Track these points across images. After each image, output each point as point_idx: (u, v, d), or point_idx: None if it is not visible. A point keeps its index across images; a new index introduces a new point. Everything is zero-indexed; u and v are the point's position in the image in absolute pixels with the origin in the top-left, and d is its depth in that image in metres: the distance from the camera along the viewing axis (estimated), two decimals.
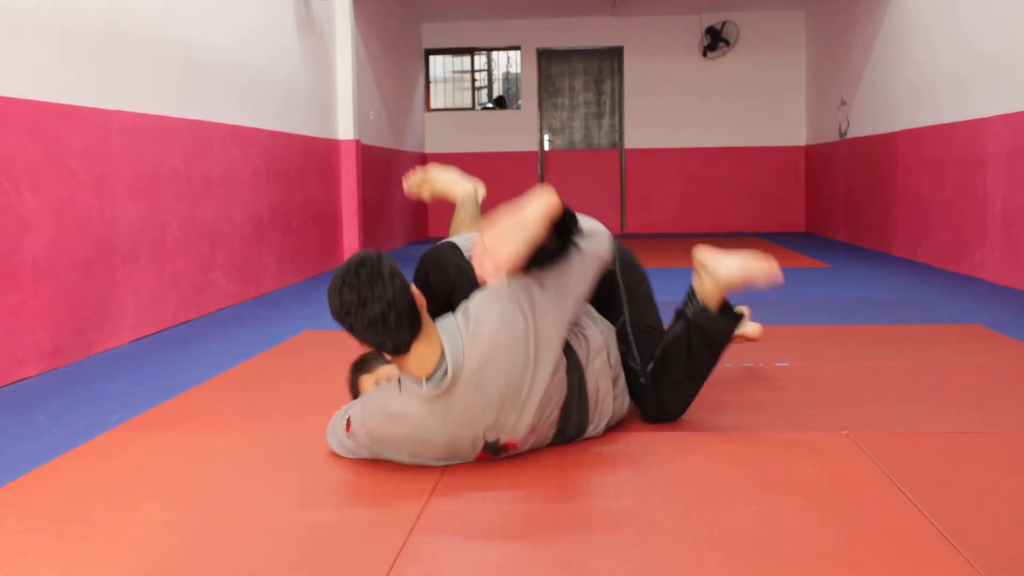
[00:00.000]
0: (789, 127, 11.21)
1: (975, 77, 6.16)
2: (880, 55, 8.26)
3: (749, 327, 3.06)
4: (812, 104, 10.86)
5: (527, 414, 2.25)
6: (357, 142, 7.75)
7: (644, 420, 2.70)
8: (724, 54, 11.17)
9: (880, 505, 2.02)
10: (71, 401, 3.15)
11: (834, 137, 9.84)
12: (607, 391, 2.49)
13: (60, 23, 3.79)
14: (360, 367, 2.61)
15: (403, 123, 10.14)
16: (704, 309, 2.59)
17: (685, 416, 2.76)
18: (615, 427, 2.64)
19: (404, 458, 2.29)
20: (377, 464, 2.36)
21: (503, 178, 11.51)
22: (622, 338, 2.62)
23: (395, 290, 2.05)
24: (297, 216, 6.59)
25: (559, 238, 2.25)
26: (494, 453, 2.30)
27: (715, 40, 11.08)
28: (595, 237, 2.43)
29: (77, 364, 3.77)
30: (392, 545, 1.85)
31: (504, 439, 2.26)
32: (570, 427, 2.44)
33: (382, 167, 9.02)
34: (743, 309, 2.82)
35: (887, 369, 3.36)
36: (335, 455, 2.43)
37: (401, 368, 2.18)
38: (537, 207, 2.12)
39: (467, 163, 11.47)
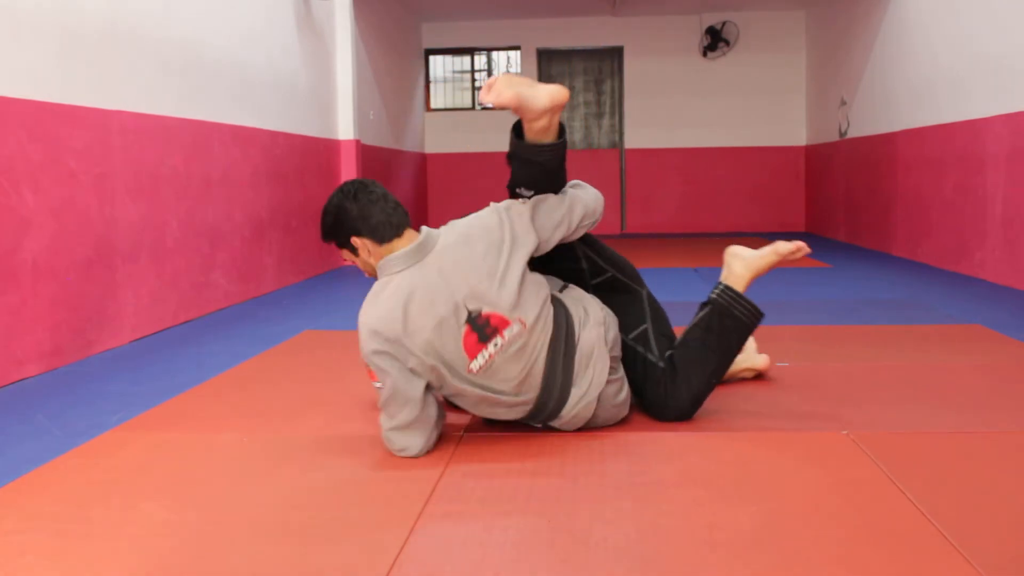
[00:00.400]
0: (789, 127, 11.21)
1: (975, 77, 6.16)
2: (880, 55, 8.26)
3: (758, 359, 3.19)
4: (812, 104, 10.87)
5: (507, 290, 2.40)
6: (357, 142, 7.75)
7: (659, 419, 2.70)
8: (724, 54, 11.17)
9: (880, 505, 2.02)
10: (71, 401, 3.15)
11: (834, 137, 9.84)
12: (600, 358, 2.51)
13: (60, 23, 3.79)
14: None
15: (403, 123, 10.14)
16: (729, 288, 2.71)
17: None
18: (615, 426, 2.64)
19: (403, 343, 2.33)
20: (377, 464, 2.36)
21: (503, 178, 11.48)
22: (643, 342, 2.68)
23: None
24: (297, 216, 6.59)
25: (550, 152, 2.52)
26: (480, 335, 2.36)
27: (715, 40, 11.08)
28: (586, 188, 2.67)
29: (77, 364, 3.77)
30: (392, 545, 1.85)
31: (486, 310, 2.37)
32: (555, 379, 2.45)
33: (382, 167, 9.02)
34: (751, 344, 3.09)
35: (887, 369, 3.36)
36: (335, 455, 2.43)
37: (388, 252, 2.45)
38: (551, 87, 2.40)
39: (467, 163, 11.49)
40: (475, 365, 2.39)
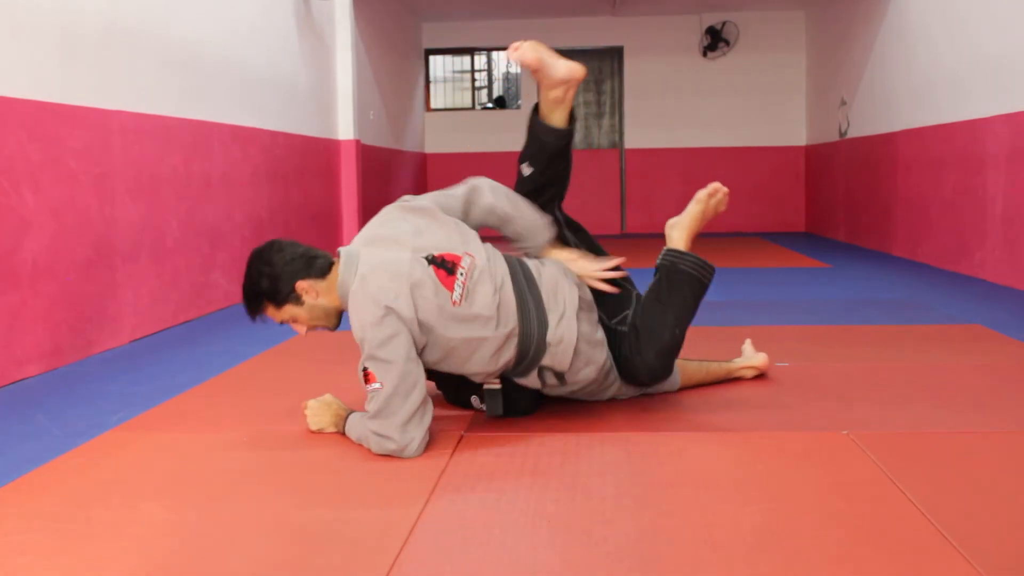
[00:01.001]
0: (789, 127, 11.21)
1: (975, 77, 6.16)
2: (880, 55, 8.26)
3: (756, 358, 3.23)
4: (812, 104, 10.87)
5: (441, 233, 2.55)
6: (357, 142, 7.75)
7: (635, 382, 2.81)
8: (724, 54, 11.17)
9: (880, 505, 2.02)
10: (71, 401, 3.15)
11: (834, 137, 9.84)
12: (566, 288, 2.62)
13: (60, 23, 3.79)
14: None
15: (403, 123, 10.14)
16: (670, 249, 2.81)
17: (685, 416, 2.76)
18: (614, 426, 2.64)
19: (401, 290, 2.41)
20: (377, 464, 2.36)
21: (504, 178, 11.49)
22: (627, 326, 2.77)
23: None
24: (297, 216, 6.59)
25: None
26: (447, 269, 2.48)
27: (715, 40, 11.08)
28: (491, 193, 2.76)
29: (77, 364, 3.77)
30: (392, 545, 1.85)
31: (436, 252, 2.50)
32: (527, 305, 2.54)
33: (382, 167, 9.02)
34: (749, 345, 3.22)
35: (887, 369, 3.35)
36: (335, 455, 2.43)
37: (333, 280, 2.55)
38: (571, 63, 2.67)
39: (467, 163, 11.47)
40: (456, 295, 2.46)
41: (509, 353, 2.54)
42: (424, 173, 11.37)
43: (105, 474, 2.33)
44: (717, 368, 3.13)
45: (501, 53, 11.85)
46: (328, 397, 2.64)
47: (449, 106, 11.78)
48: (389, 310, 2.37)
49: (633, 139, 11.41)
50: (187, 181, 4.87)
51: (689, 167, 11.31)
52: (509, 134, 11.51)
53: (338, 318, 2.63)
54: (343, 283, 2.48)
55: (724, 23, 11.09)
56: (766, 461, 2.35)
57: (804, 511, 2.00)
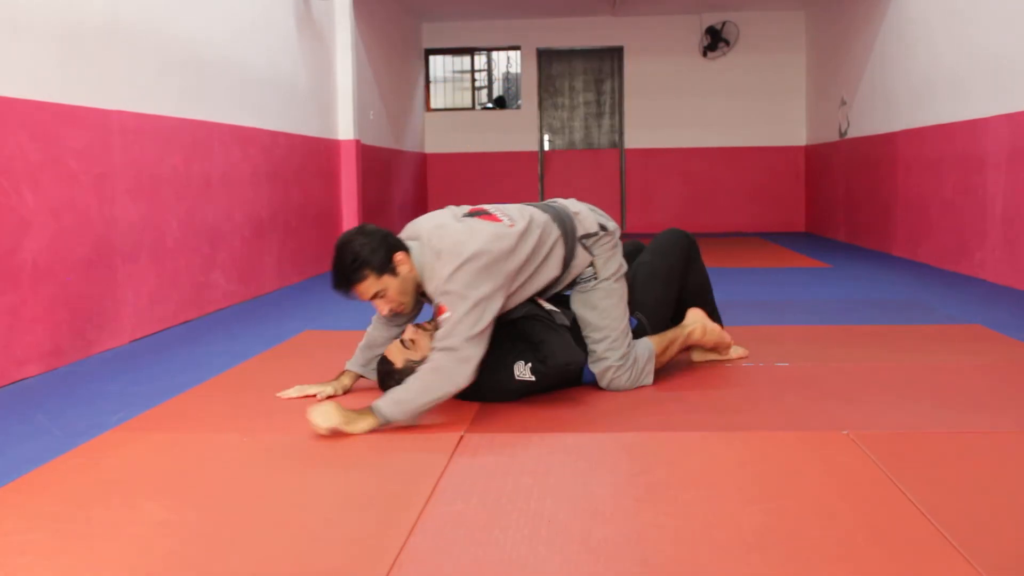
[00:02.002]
0: (789, 127, 11.21)
1: (975, 77, 6.16)
2: (880, 55, 8.26)
3: (732, 351, 3.51)
4: (812, 104, 10.87)
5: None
6: (357, 142, 7.75)
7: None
8: (724, 54, 11.17)
9: (880, 505, 2.02)
10: (71, 401, 3.15)
11: (834, 137, 9.85)
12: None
13: (60, 23, 3.79)
14: (383, 362, 2.92)
15: (403, 123, 10.14)
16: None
17: (685, 416, 2.77)
18: (615, 426, 2.64)
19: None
20: (377, 464, 2.36)
21: (503, 178, 11.51)
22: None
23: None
24: (297, 216, 6.59)
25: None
26: (483, 214, 2.92)
27: (715, 40, 11.08)
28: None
29: (77, 364, 3.77)
30: (392, 545, 1.85)
31: (471, 208, 2.99)
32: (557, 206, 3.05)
33: (382, 167, 9.02)
34: (730, 342, 3.45)
35: (887, 369, 3.36)
36: (335, 455, 2.43)
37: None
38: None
39: (467, 163, 11.49)
40: (506, 222, 2.85)
41: (556, 233, 2.93)
42: (424, 173, 11.37)
43: (105, 474, 2.33)
44: (674, 335, 3.24)
45: (501, 53, 11.85)
46: (328, 403, 2.63)
47: (449, 106, 11.78)
48: (472, 254, 2.66)
49: (633, 139, 11.41)
50: (187, 181, 4.87)
51: (689, 167, 11.31)
52: (509, 134, 11.52)
53: (415, 297, 2.84)
54: (420, 256, 2.78)
55: (724, 23, 11.09)
56: (766, 461, 2.35)
57: (804, 511, 2.00)
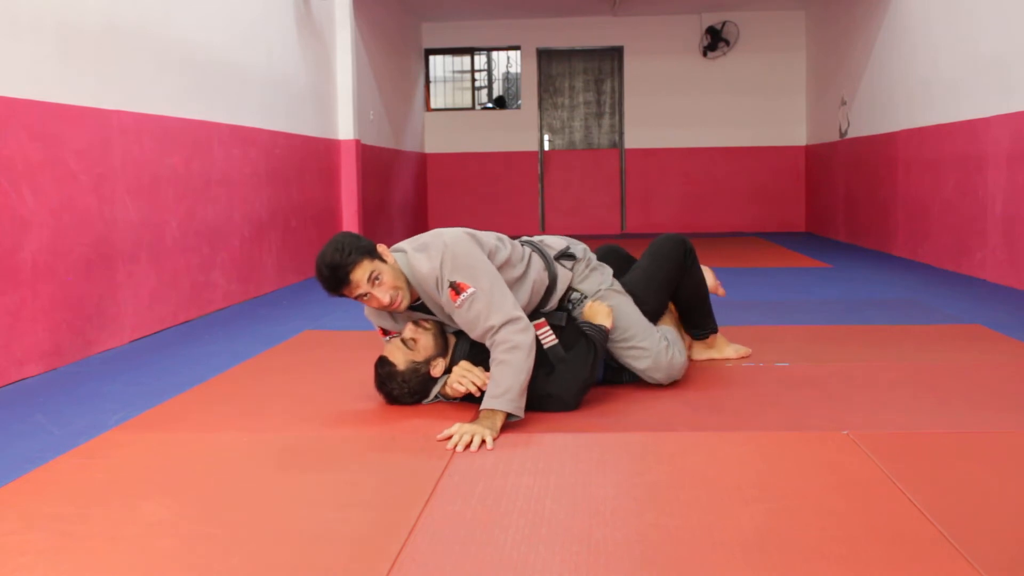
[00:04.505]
0: (789, 127, 11.21)
1: (975, 77, 6.16)
2: (880, 55, 8.26)
3: (729, 350, 3.54)
4: (812, 104, 10.87)
5: None
6: (357, 142, 7.75)
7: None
8: (724, 54, 11.17)
9: (880, 505, 2.02)
10: (71, 401, 3.15)
11: (834, 137, 9.84)
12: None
13: (60, 22, 3.78)
14: (383, 362, 2.89)
15: (403, 123, 10.14)
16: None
17: (685, 416, 2.77)
18: (615, 426, 2.64)
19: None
20: (377, 465, 2.36)
21: (503, 178, 11.51)
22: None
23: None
24: (297, 216, 6.59)
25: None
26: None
27: (715, 40, 11.08)
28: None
29: (77, 364, 3.77)
30: (392, 545, 1.85)
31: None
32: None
33: (382, 167, 9.02)
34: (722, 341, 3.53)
35: (887, 369, 3.35)
36: (335, 455, 2.43)
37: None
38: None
39: (467, 163, 11.49)
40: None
41: (529, 249, 3.02)
42: (424, 173, 11.37)
43: (105, 474, 2.33)
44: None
45: (501, 53, 11.85)
46: (464, 424, 2.58)
47: (449, 106, 11.78)
48: (455, 233, 2.78)
49: (633, 139, 11.41)
50: (187, 181, 4.87)
51: (689, 167, 11.31)
52: (509, 134, 11.52)
53: (410, 287, 2.82)
54: (407, 260, 2.81)
55: (724, 23, 11.09)
56: (766, 461, 2.35)
57: (804, 511, 2.00)
